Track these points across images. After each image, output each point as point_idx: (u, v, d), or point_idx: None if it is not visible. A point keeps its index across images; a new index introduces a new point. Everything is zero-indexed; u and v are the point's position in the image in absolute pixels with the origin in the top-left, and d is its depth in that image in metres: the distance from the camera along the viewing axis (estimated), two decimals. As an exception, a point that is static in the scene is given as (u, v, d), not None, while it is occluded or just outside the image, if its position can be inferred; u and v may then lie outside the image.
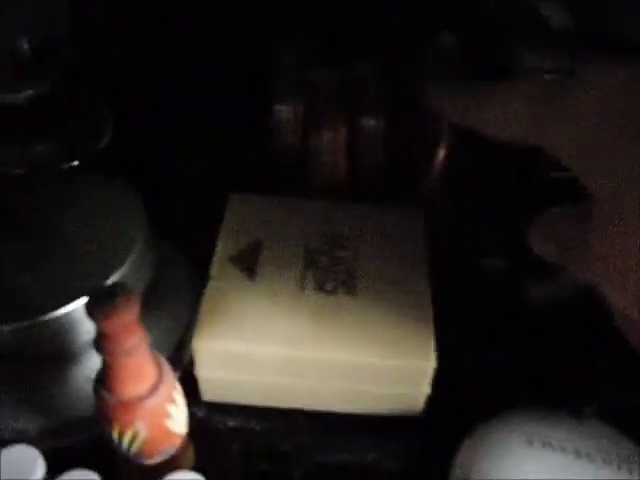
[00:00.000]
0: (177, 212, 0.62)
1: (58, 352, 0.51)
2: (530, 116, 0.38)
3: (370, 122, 0.60)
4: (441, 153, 0.58)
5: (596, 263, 0.35)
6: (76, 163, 0.67)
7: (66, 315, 0.49)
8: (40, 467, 0.43)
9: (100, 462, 0.45)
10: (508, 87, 0.41)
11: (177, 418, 0.45)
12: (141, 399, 0.42)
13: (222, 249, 0.54)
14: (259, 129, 0.63)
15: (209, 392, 0.53)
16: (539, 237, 0.41)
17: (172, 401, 0.44)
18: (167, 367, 0.44)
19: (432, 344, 0.50)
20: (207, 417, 0.53)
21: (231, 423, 0.53)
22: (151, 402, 0.42)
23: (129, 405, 0.42)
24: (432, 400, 0.52)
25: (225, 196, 0.59)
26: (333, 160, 0.60)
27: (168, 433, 0.45)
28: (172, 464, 0.47)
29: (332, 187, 0.61)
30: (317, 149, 0.60)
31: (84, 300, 0.47)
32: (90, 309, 0.38)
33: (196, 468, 0.44)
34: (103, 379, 0.42)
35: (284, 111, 0.61)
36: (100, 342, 0.40)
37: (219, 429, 0.53)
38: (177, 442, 0.46)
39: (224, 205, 0.59)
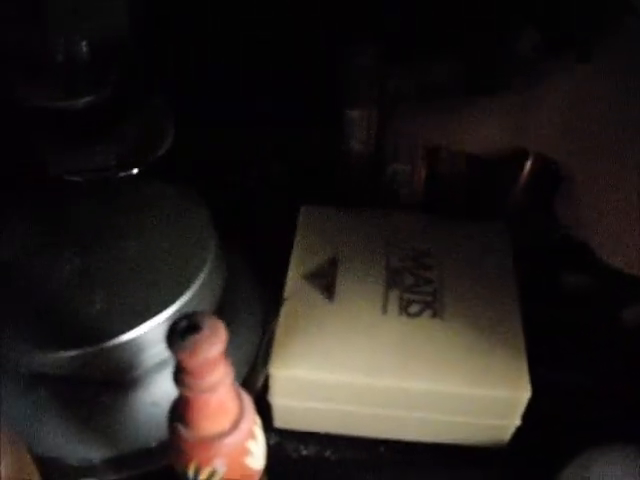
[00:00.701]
0: (243, 223, 0.59)
1: (121, 378, 0.48)
2: (513, 124, 0.47)
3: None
4: (527, 166, 0.54)
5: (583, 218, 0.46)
6: (135, 171, 0.63)
7: (131, 340, 0.46)
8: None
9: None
10: (487, 102, 0.49)
11: (256, 454, 0.42)
12: (221, 436, 0.39)
13: (296, 266, 0.51)
14: (329, 135, 0.59)
15: (282, 419, 0.50)
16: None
17: (253, 437, 0.41)
18: (248, 401, 0.41)
19: (526, 372, 0.46)
20: (280, 445, 0.50)
21: (305, 452, 0.50)
22: (232, 439, 0.39)
23: (209, 442, 0.39)
24: (520, 432, 0.48)
25: (295, 205, 0.56)
26: (411, 169, 0.56)
27: (247, 470, 0.42)
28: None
29: (409, 199, 0.57)
30: (393, 157, 0.57)
31: (150, 324, 0.45)
32: (172, 344, 0.35)
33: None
34: (180, 413, 0.39)
35: (357, 115, 0.57)
36: (180, 377, 0.36)
37: (293, 458, 0.50)
38: (255, 478, 0.43)
39: (292, 215, 0.55)
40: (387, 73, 0.58)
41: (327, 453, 0.50)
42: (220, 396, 0.38)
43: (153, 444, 0.48)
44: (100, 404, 0.48)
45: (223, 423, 0.39)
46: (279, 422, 0.50)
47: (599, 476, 0.45)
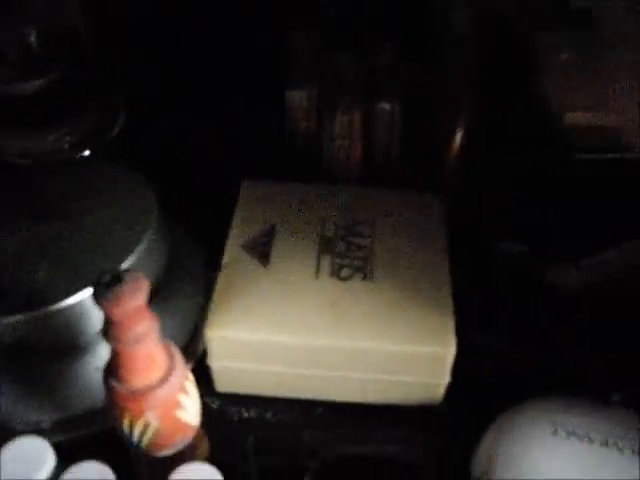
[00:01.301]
0: (188, 199, 0.61)
1: (68, 343, 0.50)
2: None
3: (385, 106, 0.59)
4: (459, 136, 0.57)
5: None
6: (87, 153, 0.65)
7: (76, 305, 0.48)
8: (50, 459, 0.42)
9: (112, 455, 0.44)
10: None
11: (189, 409, 0.44)
12: (152, 389, 0.41)
13: (235, 236, 0.53)
14: (273, 114, 0.61)
15: (223, 383, 0.52)
16: None
17: (184, 391, 0.43)
18: (178, 356, 0.43)
19: (452, 331, 0.48)
20: (222, 409, 0.52)
21: (246, 414, 0.52)
22: (162, 392, 0.41)
23: (139, 395, 0.41)
24: (452, 390, 0.50)
25: (238, 183, 0.58)
26: (348, 144, 0.58)
27: (180, 424, 0.43)
28: (185, 457, 0.46)
29: (347, 172, 0.60)
30: (331, 133, 0.59)
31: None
32: (97, 296, 0.37)
33: (211, 461, 0.43)
34: (113, 369, 0.41)
35: (297, 96, 0.59)
36: (108, 330, 0.38)
37: (234, 421, 0.52)
38: (190, 434, 0.45)
39: (237, 192, 0.57)
40: (327, 55, 0.60)
41: (268, 415, 0.52)
42: (148, 348, 0.40)
43: (99, 406, 0.49)
44: (47, 370, 0.50)
45: (153, 376, 0.41)
46: (220, 386, 0.52)
47: (515, 433, 0.47)
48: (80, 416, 0.50)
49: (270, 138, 0.63)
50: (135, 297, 0.37)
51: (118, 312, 0.37)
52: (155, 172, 0.56)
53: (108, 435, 0.47)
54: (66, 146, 0.66)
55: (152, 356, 0.40)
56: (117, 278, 0.37)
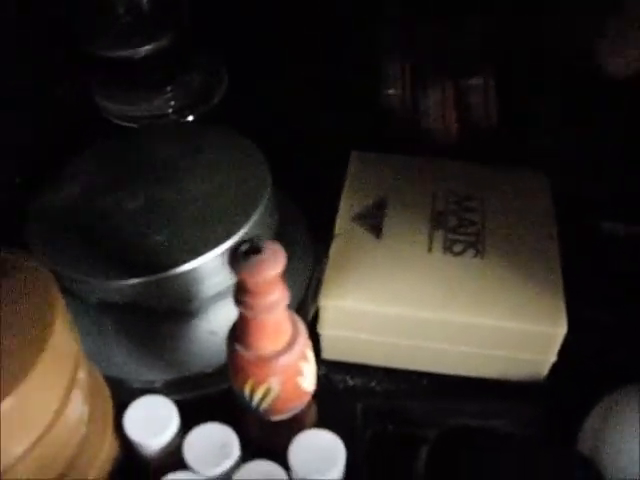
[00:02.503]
0: (295, 169, 0.61)
1: (182, 307, 0.51)
2: None
3: (478, 80, 0.58)
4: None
5: None
6: (190, 118, 0.66)
7: (192, 270, 0.49)
8: (175, 418, 0.44)
9: (223, 417, 0.45)
10: None
11: (308, 375, 0.45)
12: (277, 355, 0.42)
13: (346, 207, 0.54)
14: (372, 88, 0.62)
15: (330, 351, 0.53)
16: None
17: (305, 359, 0.44)
18: (301, 324, 0.44)
19: (563, 310, 0.48)
20: (327, 376, 0.53)
21: (351, 382, 0.53)
22: (286, 359, 0.42)
23: (265, 361, 0.42)
24: (557, 367, 0.51)
25: (342, 154, 0.58)
26: (442, 118, 0.58)
27: (299, 390, 0.45)
28: (297, 422, 0.47)
29: (443, 146, 0.60)
30: (426, 107, 0.59)
31: (209, 256, 0.48)
32: (235, 264, 0.38)
33: (318, 427, 0.44)
34: (239, 334, 0.42)
35: (392, 69, 0.59)
36: (242, 297, 0.39)
37: (339, 388, 0.53)
38: (306, 399, 0.46)
39: (340, 162, 0.58)
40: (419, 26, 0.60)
41: (372, 384, 0.53)
42: (277, 317, 0.41)
43: (210, 369, 0.51)
44: (162, 332, 0.51)
45: (278, 343, 0.42)
46: (327, 354, 0.53)
47: (619, 418, 0.47)
48: (191, 378, 0.51)
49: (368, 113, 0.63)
50: (274, 268, 0.37)
51: (255, 281, 0.38)
52: (258, 141, 0.56)
53: (219, 398, 0.49)
54: (170, 111, 0.67)
55: (280, 324, 0.41)
56: (256, 248, 0.38)
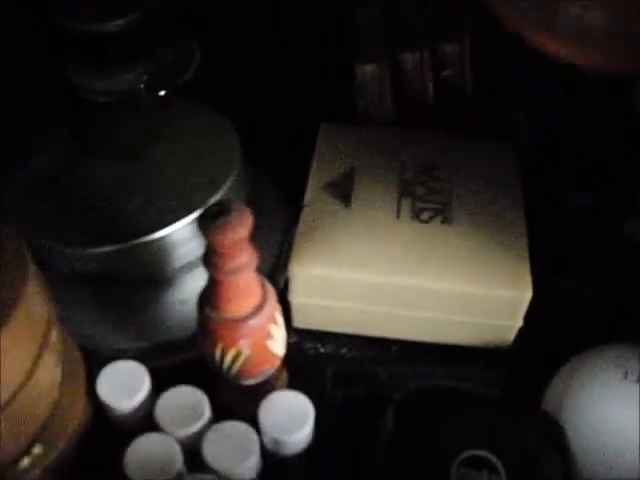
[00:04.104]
0: (264, 140, 0.62)
1: (153, 275, 0.52)
2: None
3: (453, 47, 0.59)
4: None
5: None
6: (162, 93, 0.66)
7: (163, 238, 0.49)
8: (147, 382, 0.44)
9: (194, 384, 0.46)
10: None
11: (278, 339, 0.45)
12: (246, 318, 0.43)
13: (315, 176, 0.54)
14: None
15: (301, 319, 0.53)
16: None
17: (274, 322, 0.44)
18: (270, 288, 0.44)
19: (529, 275, 0.49)
20: (298, 344, 0.54)
21: (322, 350, 0.54)
22: (256, 321, 0.43)
23: (235, 323, 0.43)
24: (523, 333, 0.52)
25: (312, 126, 0.59)
26: (419, 84, 0.59)
27: (269, 353, 0.45)
28: (268, 386, 0.47)
29: (419, 114, 0.60)
30: (402, 75, 0.59)
31: (180, 224, 0.48)
32: (204, 226, 0.38)
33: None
34: (209, 297, 0.42)
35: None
36: (211, 259, 0.40)
37: (310, 355, 0.53)
38: (276, 363, 0.47)
39: (312, 136, 0.58)
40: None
41: (342, 351, 0.54)
42: (246, 279, 0.41)
43: (181, 338, 0.51)
44: (134, 300, 0.52)
45: (248, 306, 0.43)
46: (298, 322, 0.53)
47: (585, 377, 0.48)
48: (162, 346, 0.52)
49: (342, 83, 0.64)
50: (241, 228, 0.38)
51: (223, 242, 0.38)
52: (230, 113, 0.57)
53: (190, 365, 0.49)
54: (142, 86, 0.66)
55: (249, 286, 0.42)
56: (224, 210, 0.38)
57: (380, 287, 0.50)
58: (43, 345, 0.39)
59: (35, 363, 0.38)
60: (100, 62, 0.65)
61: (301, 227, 0.51)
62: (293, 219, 0.54)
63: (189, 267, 0.51)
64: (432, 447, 0.41)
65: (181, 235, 0.49)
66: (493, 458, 0.40)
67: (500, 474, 0.40)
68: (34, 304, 0.38)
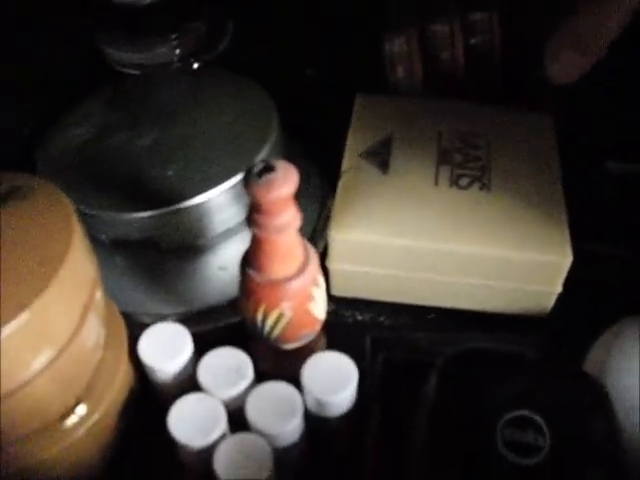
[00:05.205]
0: (302, 113, 0.62)
1: (193, 241, 0.52)
2: None
3: (482, 15, 0.59)
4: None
5: None
6: (196, 66, 0.66)
7: (202, 204, 0.50)
8: (189, 343, 0.44)
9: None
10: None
11: (319, 302, 0.45)
12: (289, 279, 0.43)
13: (352, 145, 0.54)
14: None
15: (339, 286, 0.53)
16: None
17: (316, 284, 0.44)
18: (312, 249, 0.44)
19: (568, 240, 0.49)
20: (336, 312, 0.54)
21: (360, 317, 0.54)
22: (298, 283, 0.43)
23: (277, 285, 0.42)
24: (562, 301, 0.51)
25: (348, 99, 0.59)
26: (450, 54, 0.59)
27: (311, 317, 0.45)
28: (308, 351, 0.47)
29: (450, 84, 0.60)
30: (431, 45, 0.59)
31: (218, 190, 0.48)
32: (249, 183, 0.38)
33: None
34: (252, 258, 0.43)
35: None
36: (255, 218, 0.40)
37: (348, 323, 0.53)
38: (317, 327, 0.47)
39: (346, 107, 0.58)
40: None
41: (381, 318, 0.53)
42: (289, 239, 0.41)
43: (221, 304, 0.51)
44: (172, 267, 0.52)
45: (291, 267, 0.43)
46: (336, 290, 0.53)
47: (627, 343, 0.48)
48: (202, 312, 0.52)
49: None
50: (286, 185, 0.38)
51: (268, 199, 0.38)
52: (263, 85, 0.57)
53: (228, 331, 0.50)
54: (175, 59, 0.67)
55: (292, 247, 0.42)
56: (269, 167, 0.38)
57: (419, 253, 0.50)
58: (89, 302, 0.39)
59: (81, 321, 0.39)
60: (133, 35, 0.66)
61: (340, 193, 0.51)
62: (329, 188, 0.54)
63: (228, 233, 0.52)
64: (476, 408, 0.41)
65: (220, 201, 0.50)
66: (538, 418, 0.40)
67: (545, 434, 0.40)
68: (80, 262, 0.38)
